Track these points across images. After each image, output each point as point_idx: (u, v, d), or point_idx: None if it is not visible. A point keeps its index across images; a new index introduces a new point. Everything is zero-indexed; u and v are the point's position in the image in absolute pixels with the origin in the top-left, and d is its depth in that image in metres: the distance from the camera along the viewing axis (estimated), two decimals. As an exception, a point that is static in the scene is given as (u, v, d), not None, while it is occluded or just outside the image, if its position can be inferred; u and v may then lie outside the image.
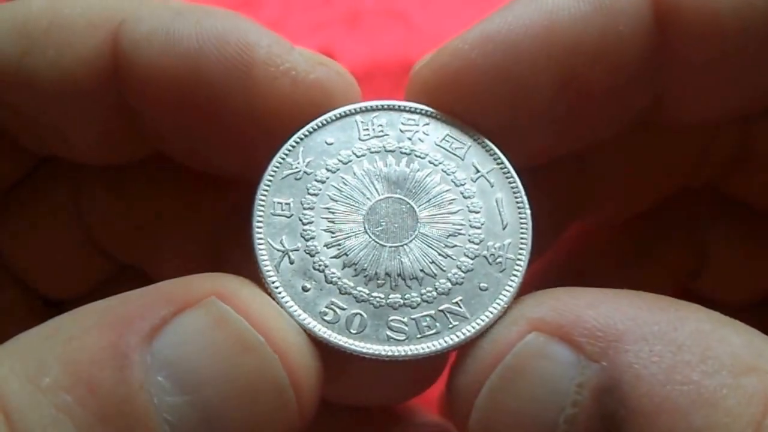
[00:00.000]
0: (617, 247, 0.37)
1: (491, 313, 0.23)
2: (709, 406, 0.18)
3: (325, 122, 0.26)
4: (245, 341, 0.20)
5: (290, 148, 0.25)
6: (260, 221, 0.24)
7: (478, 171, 0.25)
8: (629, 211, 0.35)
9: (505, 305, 0.23)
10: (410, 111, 0.26)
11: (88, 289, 0.33)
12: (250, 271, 0.24)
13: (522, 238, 0.24)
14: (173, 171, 0.30)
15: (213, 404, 0.20)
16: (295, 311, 0.23)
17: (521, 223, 0.25)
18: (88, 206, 0.31)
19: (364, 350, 0.22)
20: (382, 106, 0.26)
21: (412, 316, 0.23)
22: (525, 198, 0.25)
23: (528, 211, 0.25)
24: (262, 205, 0.24)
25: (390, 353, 0.22)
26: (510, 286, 0.23)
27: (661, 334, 0.19)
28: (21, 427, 0.18)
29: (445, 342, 0.23)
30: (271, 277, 0.23)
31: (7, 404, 0.18)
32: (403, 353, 0.22)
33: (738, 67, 0.26)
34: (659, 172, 0.33)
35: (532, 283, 0.24)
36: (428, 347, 0.23)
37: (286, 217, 0.24)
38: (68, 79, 0.25)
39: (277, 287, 0.23)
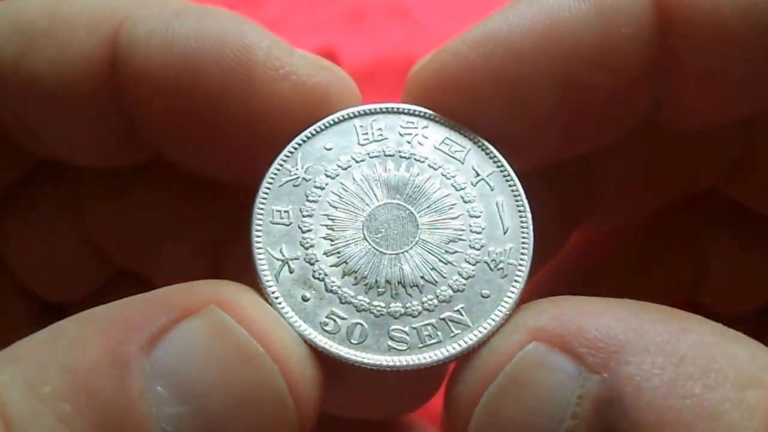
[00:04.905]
0: (618, 256, 0.36)
1: (493, 320, 0.22)
2: (712, 419, 0.18)
3: (323, 127, 0.25)
4: (244, 351, 0.20)
5: (288, 154, 0.25)
6: (259, 230, 0.24)
7: (478, 174, 0.25)
8: (632, 216, 0.35)
9: (507, 312, 0.22)
10: (409, 113, 0.26)
11: (88, 293, 0.33)
12: (249, 276, 0.23)
13: (523, 243, 0.24)
14: (173, 175, 0.30)
15: (212, 414, 0.19)
16: (295, 322, 0.22)
17: (522, 228, 0.24)
18: (87, 210, 0.31)
19: (365, 360, 0.22)
20: (381, 109, 0.26)
21: (414, 325, 0.23)
22: (525, 202, 0.24)
23: (529, 216, 0.24)
24: (261, 214, 0.24)
25: (391, 363, 0.22)
26: (512, 292, 0.23)
27: (664, 346, 0.19)
28: None
29: (447, 351, 0.22)
30: (270, 287, 0.23)
31: (8, 412, 0.18)
32: (404, 363, 0.22)
33: (741, 70, 0.26)
34: (662, 176, 0.33)
35: (534, 292, 0.23)
36: (430, 357, 0.22)
37: (285, 225, 0.24)
38: (67, 79, 0.25)
39: (276, 297, 0.23)
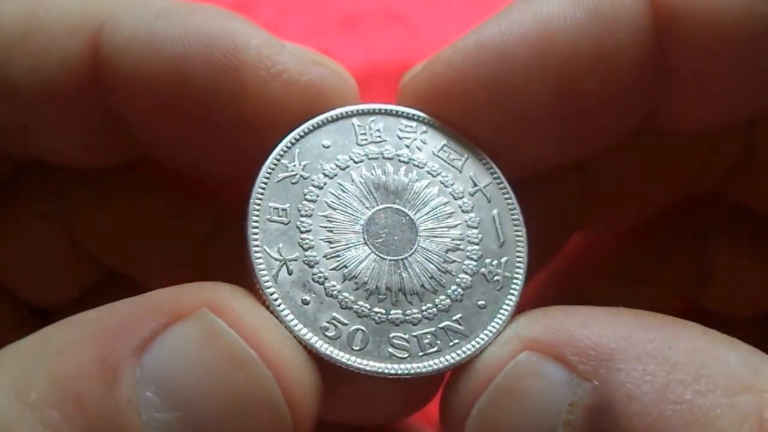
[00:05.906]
0: (620, 262, 0.36)
1: (490, 332, 0.23)
2: (702, 425, 0.18)
3: (320, 123, 0.25)
4: (236, 356, 0.20)
5: (285, 149, 0.24)
6: (256, 227, 0.23)
7: (475, 185, 0.25)
8: (632, 220, 0.34)
9: (504, 324, 0.23)
10: (408, 117, 0.26)
11: (76, 296, 0.33)
12: (240, 279, 0.23)
13: (518, 256, 0.24)
14: (161, 175, 0.30)
15: (203, 421, 0.19)
16: (296, 326, 0.22)
17: (517, 241, 0.24)
18: (72, 211, 0.31)
19: (367, 368, 0.22)
20: (380, 110, 0.25)
21: (414, 333, 0.23)
22: (521, 215, 0.25)
23: (524, 229, 0.24)
24: (257, 210, 0.23)
25: (393, 371, 0.22)
26: (507, 304, 0.23)
27: (655, 353, 0.19)
28: None
29: (447, 360, 0.22)
30: (269, 288, 0.22)
31: None
32: (405, 371, 0.22)
33: (738, 74, 0.26)
34: (661, 179, 0.33)
35: (532, 299, 0.24)
36: (431, 365, 0.22)
37: (282, 223, 0.23)
38: (47, 87, 0.25)
39: (276, 299, 0.22)
